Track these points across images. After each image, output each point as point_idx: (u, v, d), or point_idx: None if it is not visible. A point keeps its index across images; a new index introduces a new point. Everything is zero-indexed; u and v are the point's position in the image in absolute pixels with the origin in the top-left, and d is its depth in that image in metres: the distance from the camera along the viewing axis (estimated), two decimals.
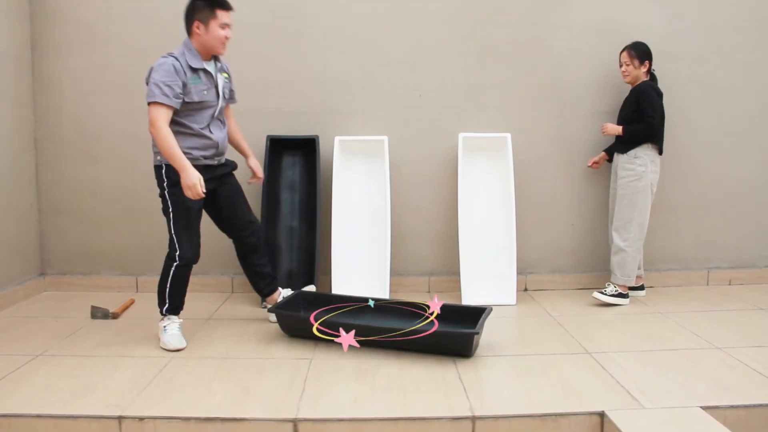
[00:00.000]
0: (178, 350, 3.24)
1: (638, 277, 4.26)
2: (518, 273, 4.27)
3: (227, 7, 3.24)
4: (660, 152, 4.06)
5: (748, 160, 4.54)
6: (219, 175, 3.40)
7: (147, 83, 3.13)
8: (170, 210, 3.24)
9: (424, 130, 4.38)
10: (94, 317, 3.79)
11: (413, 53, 4.33)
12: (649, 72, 4.09)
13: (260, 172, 3.73)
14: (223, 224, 3.55)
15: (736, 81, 4.47)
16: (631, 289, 4.23)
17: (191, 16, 3.22)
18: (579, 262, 4.53)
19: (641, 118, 3.97)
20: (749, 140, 4.52)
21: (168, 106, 3.09)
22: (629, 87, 4.13)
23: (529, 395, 2.72)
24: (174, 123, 3.18)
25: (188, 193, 3.11)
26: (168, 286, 3.30)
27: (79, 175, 4.39)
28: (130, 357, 3.16)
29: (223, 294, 4.37)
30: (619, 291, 4.07)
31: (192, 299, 4.20)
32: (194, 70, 3.20)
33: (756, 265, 4.62)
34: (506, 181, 4.26)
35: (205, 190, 3.14)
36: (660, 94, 4.03)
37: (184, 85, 3.14)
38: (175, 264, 3.26)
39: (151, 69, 3.15)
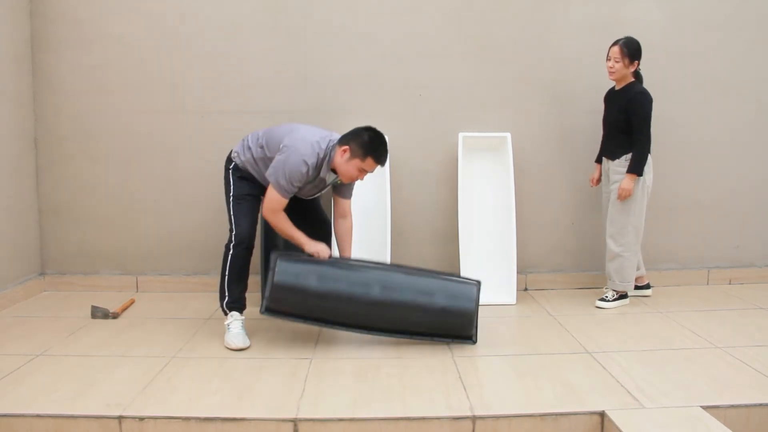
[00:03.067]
0: (241, 350, 3.24)
1: (641, 276, 4.26)
2: (518, 272, 4.26)
3: (380, 162, 3.25)
4: (649, 153, 3.94)
5: (748, 159, 4.54)
6: None
7: (279, 154, 3.22)
8: (230, 193, 3.39)
9: (424, 129, 4.38)
10: (94, 317, 3.79)
11: (413, 53, 4.33)
12: (636, 71, 3.95)
13: None
14: (295, 215, 3.46)
15: (735, 80, 4.47)
16: (638, 288, 4.21)
17: (350, 138, 3.23)
18: (579, 261, 4.53)
19: (634, 133, 3.85)
20: (749, 139, 4.53)
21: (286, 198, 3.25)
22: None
23: (529, 395, 2.72)
24: (267, 163, 3.31)
25: (318, 257, 3.29)
26: (226, 273, 3.34)
27: (79, 174, 4.39)
28: (130, 357, 3.16)
29: None
30: (620, 293, 4.06)
31: (192, 299, 4.23)
32: (317, 175, 3.29)
33: (756, 264, 4.62)
34: (506, 180, 4.26)
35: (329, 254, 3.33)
36: (652, 101, 3.87)
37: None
38: (234, 235, 3.32)
39: (288, 152, 3.19)
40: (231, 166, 3.47)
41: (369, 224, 4.26)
